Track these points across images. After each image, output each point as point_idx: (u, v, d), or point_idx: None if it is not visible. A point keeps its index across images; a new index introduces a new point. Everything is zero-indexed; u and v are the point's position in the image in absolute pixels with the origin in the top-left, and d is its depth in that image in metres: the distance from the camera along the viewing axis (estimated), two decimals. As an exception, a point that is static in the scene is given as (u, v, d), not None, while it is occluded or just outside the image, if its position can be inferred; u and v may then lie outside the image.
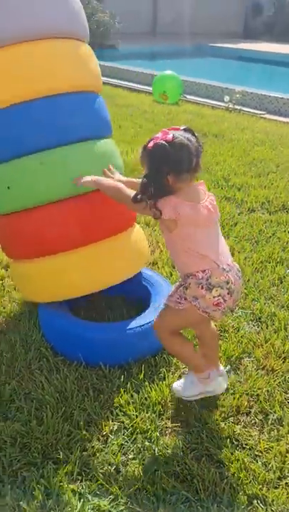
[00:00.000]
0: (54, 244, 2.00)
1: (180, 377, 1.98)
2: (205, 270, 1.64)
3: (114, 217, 2.07)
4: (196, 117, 7.08)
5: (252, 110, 8.03)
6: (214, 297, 1.63)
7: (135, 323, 2.05)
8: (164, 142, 1.58)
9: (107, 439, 1.72)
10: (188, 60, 16.06)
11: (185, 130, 1.65)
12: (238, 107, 8.06)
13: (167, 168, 1.59)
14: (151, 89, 8.61)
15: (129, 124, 6.36)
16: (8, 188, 1.94)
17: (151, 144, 1.62)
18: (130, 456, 1.66)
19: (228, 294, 1.65)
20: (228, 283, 1.65)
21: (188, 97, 8.73)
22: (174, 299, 1.72)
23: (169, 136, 1.59)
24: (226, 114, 7.63)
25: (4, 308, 2.42)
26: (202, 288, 1.63)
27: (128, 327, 2.03)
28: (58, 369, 2.00)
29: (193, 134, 1.66)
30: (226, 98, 8.14)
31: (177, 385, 1.89)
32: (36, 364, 2.03)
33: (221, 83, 8.93)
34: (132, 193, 1.73)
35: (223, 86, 8.69)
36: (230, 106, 8.08)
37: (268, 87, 8.84)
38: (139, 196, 1.66)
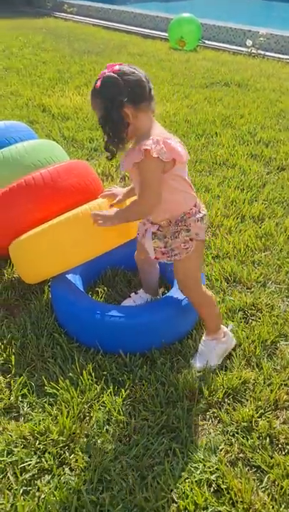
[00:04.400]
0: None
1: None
2: (195, 204, 1.70)
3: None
4: (217, 65, 6.56)
5: (277, 55, 7.43)
6: (204, 224, 1.72)
7: (159, 306, 1.82)
8: (111, 73, 1.50)
9: (130, 439, 1.54)
10: (205, 1, 15.01)
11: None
12: (262, 52, 7.46)
13: (122, 97, 1.48)
14: (167, 35, 8.01)
15: (145, 74, 5.89)
16: None
17: (98, 83, 1.51)
18: (157, 460, 1.47)
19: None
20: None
21: (207, 42, 8.11)
22: (182, 248, 1.69)
23: (116, 68, 1.51)
24: (248, 60, 7.07)
25: (14, 287, 2.21)
26: (198, 221, 1.68)
27: (152, 311, 1.80)
28: (72, 357, 1.80)
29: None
30: (249, 42, 7.54)
31: (198, 361, 1.80)
32: (49, 351, 1.84)
33: (242, 26, 8.24)
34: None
35: (246, 29, 8.03)
36: (252, 51, 7.49)
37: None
38: (110, 147, 1.57)
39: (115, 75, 1.49)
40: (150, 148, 1.47)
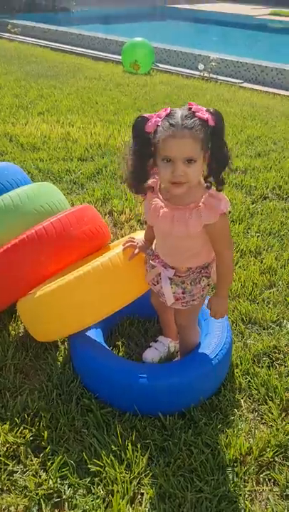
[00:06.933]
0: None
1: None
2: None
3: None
4: (175, 89, 6.64)
5: (228, 79, 7.66)
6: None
7: (195, 362, 1.74)
8: (213, 110, 1.46)
9: (189, 516, 1.42)
10: (145, 24, 15.30)
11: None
12: (214, 76, 7.67)
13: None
14: (118, 57, 8.04)
15: (106, 99, 5.84)
16: None
17: (209, 119, 1.42)
18: (222, 538, 1.37)
19: None
20: None
21: (160, 65, 8.22)
22: (200, 295, 1.69)
23: (203, 108, 1.44)
24: (203, 84, 7.23)
25: (23, 345, 2.03)
26: (214, 266, 1.66)
27: (190, 367, 1.71)
28: (108, 425, 1.66)
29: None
30: (201, 66, 7.73)
31: (153, 355, 1.94)
32: (80, 420, 1.69)
33: (193, 50, 8.46)
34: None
35: (196, 53, 8.24)
36: (205, 74, 7.67)
37: (225, 51, 8.47)
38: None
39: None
40: (225, 210, 1.46)
